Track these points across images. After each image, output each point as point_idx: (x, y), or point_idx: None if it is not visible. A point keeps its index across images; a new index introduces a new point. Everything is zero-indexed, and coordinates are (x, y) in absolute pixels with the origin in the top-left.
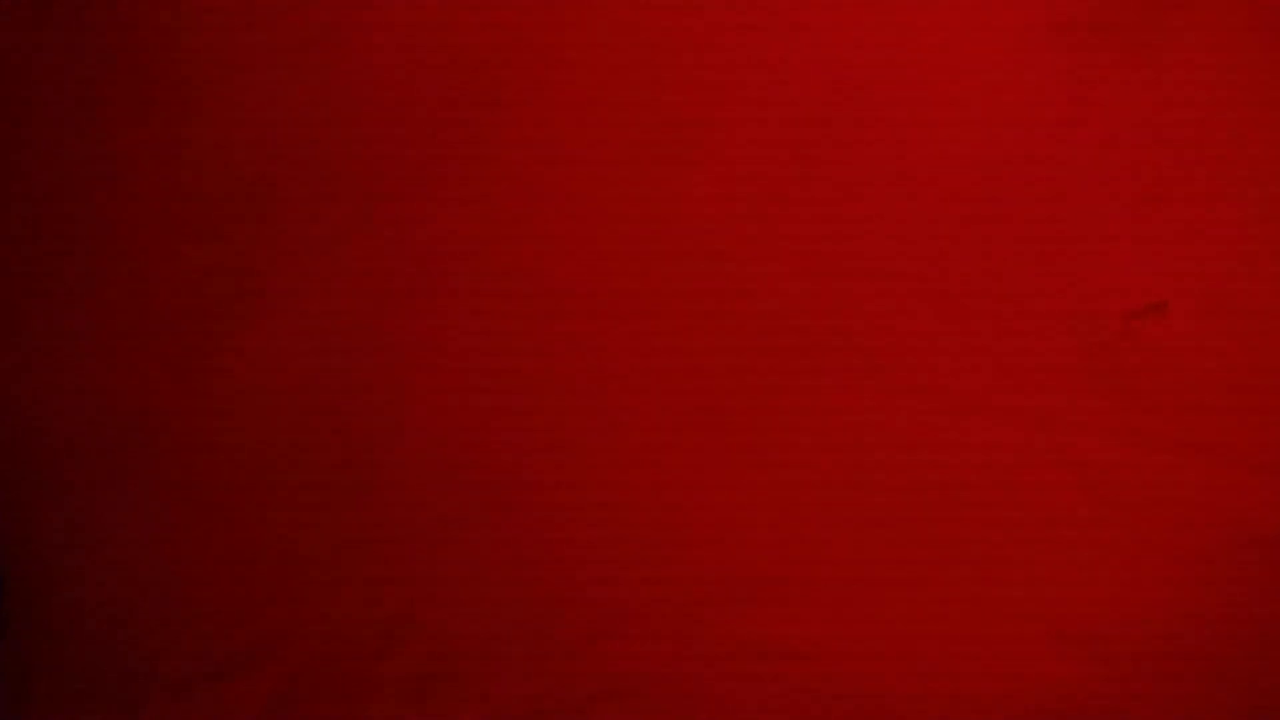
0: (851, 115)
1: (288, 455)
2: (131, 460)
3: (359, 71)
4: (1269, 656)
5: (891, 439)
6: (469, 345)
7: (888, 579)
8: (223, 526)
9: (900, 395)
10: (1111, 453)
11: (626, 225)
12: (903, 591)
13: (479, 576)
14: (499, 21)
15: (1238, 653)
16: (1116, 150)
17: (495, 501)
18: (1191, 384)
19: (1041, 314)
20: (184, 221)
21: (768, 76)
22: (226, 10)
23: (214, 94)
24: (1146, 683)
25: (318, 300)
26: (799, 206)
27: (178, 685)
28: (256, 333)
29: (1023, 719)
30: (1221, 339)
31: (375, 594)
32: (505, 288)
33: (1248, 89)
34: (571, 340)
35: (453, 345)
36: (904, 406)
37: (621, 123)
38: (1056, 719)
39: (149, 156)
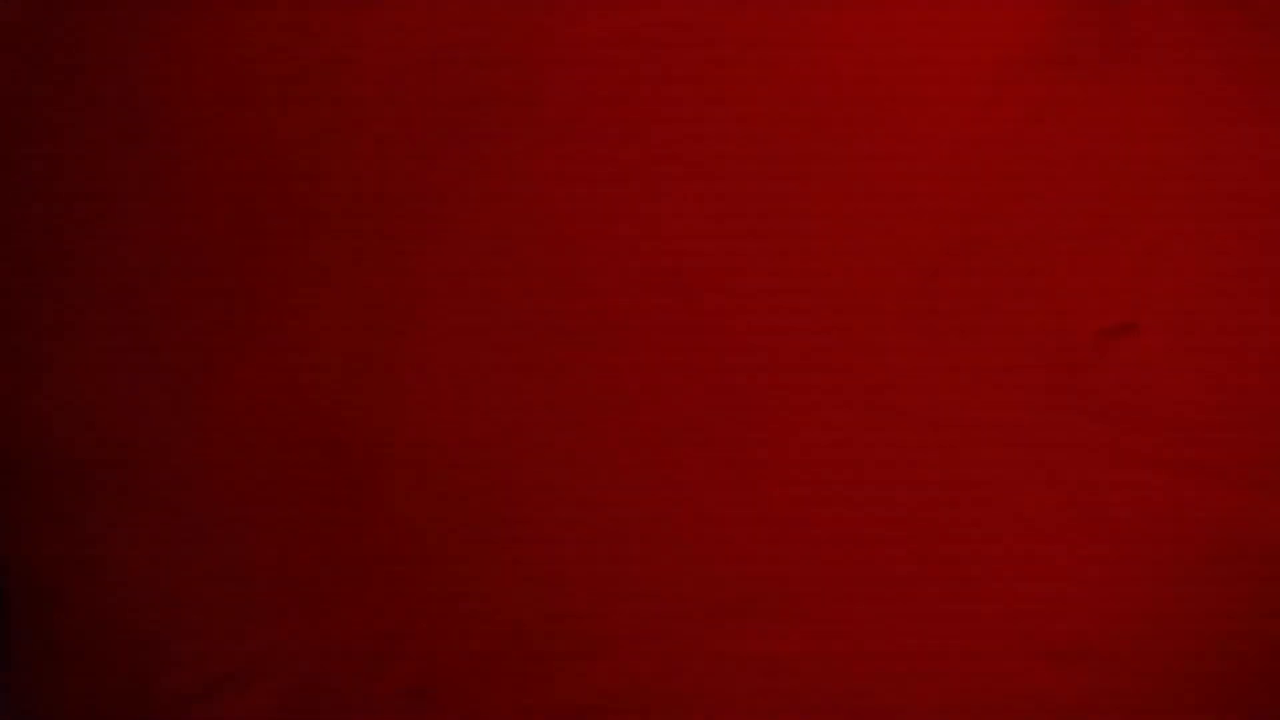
0: (829, 142)
1: (281, 477)
2: (127, 482)
3: (348, 105)
4: (1259, 669)
5: (875, 456)
6: (458, 369)
7: (874, 594)
8: (216, 546)
9: (883, 413)
10: (1093, 469)
11: (611, 249)
12: (889, 607)
13: (469, 593)
14: (487, 52)
15: (1227, 665)
16: (1085, 178)
17: (484, 519)
18: (1168, 401)
19: (1019, 334)
20: (178, 249)
21: (743, 108)
22: (217, 47)
23: (202, 129)
24: (1132, 696)
25: (307, 327)
26: (780, 231)
27: (172, 704)
28: (250, 357)
29: None
30: (1196, 356)
31: (367, 612)
32: (493, 313)
33: (1211, 120)
34: (559, 363)
35: (442, 369)
36: (887, 424)
37: (606, 151)
38: None
39: (138, 188)
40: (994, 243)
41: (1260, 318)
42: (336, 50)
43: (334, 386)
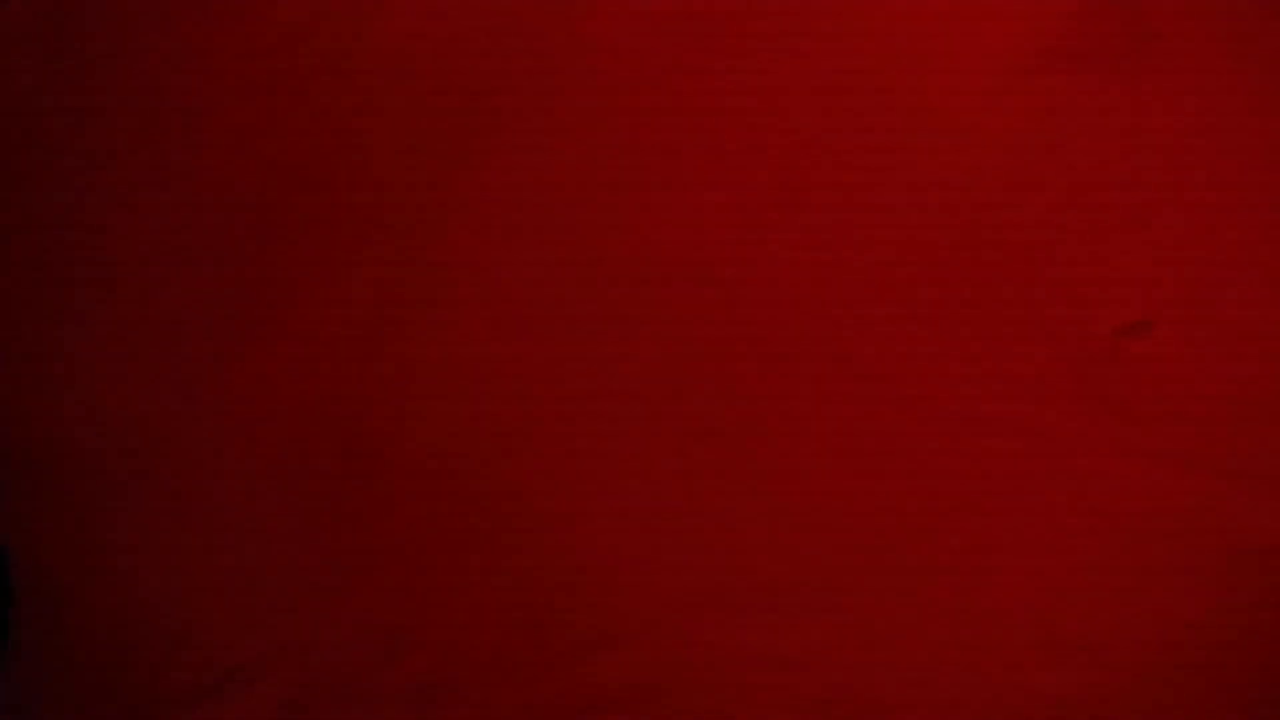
0: (840, 138)
1: (291, 470)
2: (138, 475)
3: (360, 100)
4: (1262, 666)
5: (882, 450)
6: (469, 362)
7: (880, 588)
8: (227, 541)
9: (890, 407)
10: (1102, 464)
11: (621, 244)
12: (895, 600)
13: (479, 587)
14: (496, 49)
15: (1230, 662)
16: (1101, 173)
17: (495, 513)
18: (1180, 398)
19: (1031, 330)
20: (189, 243)
21: (758, 99)
22: (229, 40)
23: (217, 120)
24: (1139, 691)
25: (320, 319)
26: (790, 225)
27: (182, 699)
28: (260, 351)
29: None
30: (1208, 353)
31: (377, 605)
32: (503, 306)
33: (1227, 115)
34: (569, 356)
35: (453, 362)
36: (894, 418)
37: (615, 144)
38: None
39: (154, 180)
40: (1008, 237)
41: (1274, 314)
42: (350, 41)
43: (346, 380)
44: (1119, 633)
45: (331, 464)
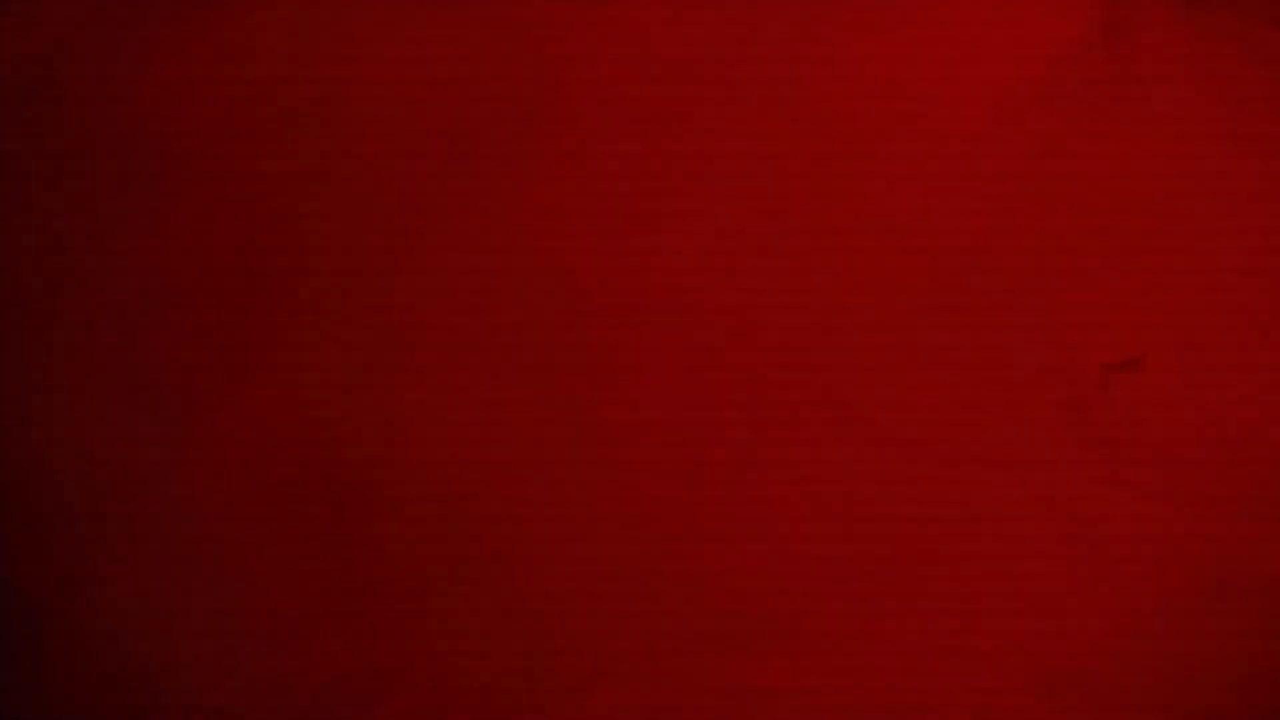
0: (827, 181)
1: (275, 510)
2: (121, 515)
3: (341, 146)
4: (1251, 696)
5: (877, 488)
6: (457, 400)
7: (875, 623)
8: (210, 580)
9: (885, 446)
10: (1094, 501)
11: (605, 286)
12: (890, 635)
13: (468, 626)
14: (479, 95)
15: (1221, 693)
16: (1092, 212)
17: (485, 552)
18: (1169, 433)
19: (1023, 368)
20: (173, 285)
21: (742, 143)
22: (209, 88)
23: (198, 166)
24: None
25: (303, 361)
26: (785, 264)
27: None
28: (243, 392)
29: None
30: (1195, 390)
31: (367, 642)
32: (490, 345)
33: (1212, 157)
34: (559, 394)
35: (437, 404)
36: (889, 457)
37: (597, 188)
38: None
39: (138, 225)
40: (997, 276)
41: (1261, 351)
42: (334, 86)
43: (330, 422)
44: (1110, 666)
45: (316, 504)
